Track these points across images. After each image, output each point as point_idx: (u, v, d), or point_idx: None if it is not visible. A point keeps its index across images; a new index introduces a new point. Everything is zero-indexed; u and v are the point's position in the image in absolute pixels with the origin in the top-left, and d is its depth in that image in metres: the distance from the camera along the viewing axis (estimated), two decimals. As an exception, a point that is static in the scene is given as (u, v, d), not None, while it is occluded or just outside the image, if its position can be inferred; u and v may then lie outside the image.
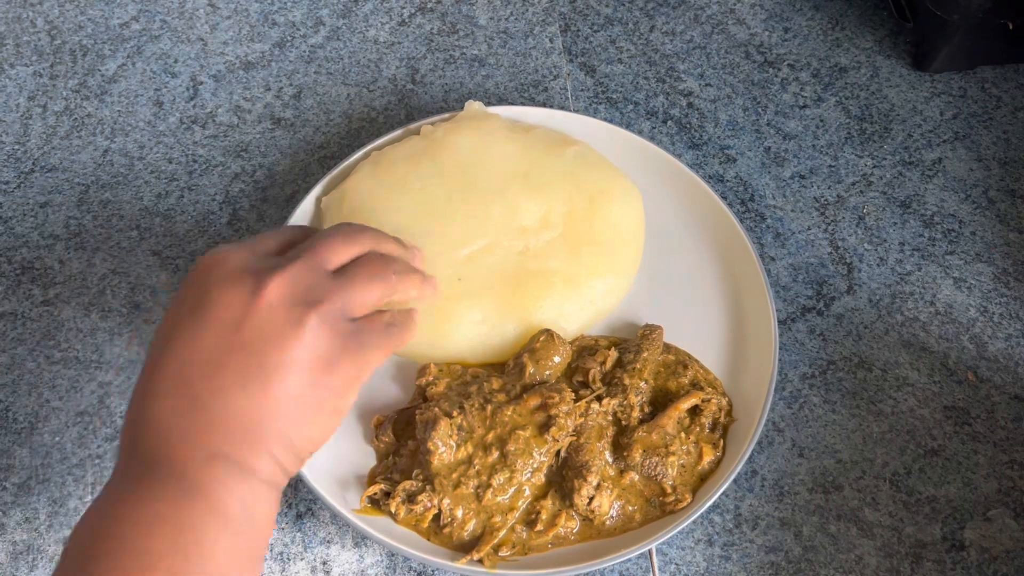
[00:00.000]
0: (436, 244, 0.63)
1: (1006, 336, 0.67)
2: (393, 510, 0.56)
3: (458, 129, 0.68)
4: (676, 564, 0.59)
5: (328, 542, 0.59)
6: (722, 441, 0.60)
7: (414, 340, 0.62)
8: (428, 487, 0.56)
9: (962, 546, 0.60)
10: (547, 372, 0.61)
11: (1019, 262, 0.71)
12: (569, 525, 0.57)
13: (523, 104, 0.78)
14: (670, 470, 0.58)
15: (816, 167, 0.76)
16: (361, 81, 0.80)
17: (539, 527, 0.56)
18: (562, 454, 0.58)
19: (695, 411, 0.60)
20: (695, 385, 0.61)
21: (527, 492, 0.57)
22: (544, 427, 0.57)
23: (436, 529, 0.56)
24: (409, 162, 0.67)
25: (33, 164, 0.75)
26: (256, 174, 0.75)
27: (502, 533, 0.56)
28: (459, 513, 0.56)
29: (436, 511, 0.56)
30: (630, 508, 0.58)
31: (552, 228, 0.65)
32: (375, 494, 0.57)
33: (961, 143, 0.77)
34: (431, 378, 0.61)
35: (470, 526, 0.56)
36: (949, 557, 0.59)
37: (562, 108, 0.78)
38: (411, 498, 0.56)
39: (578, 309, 0.64)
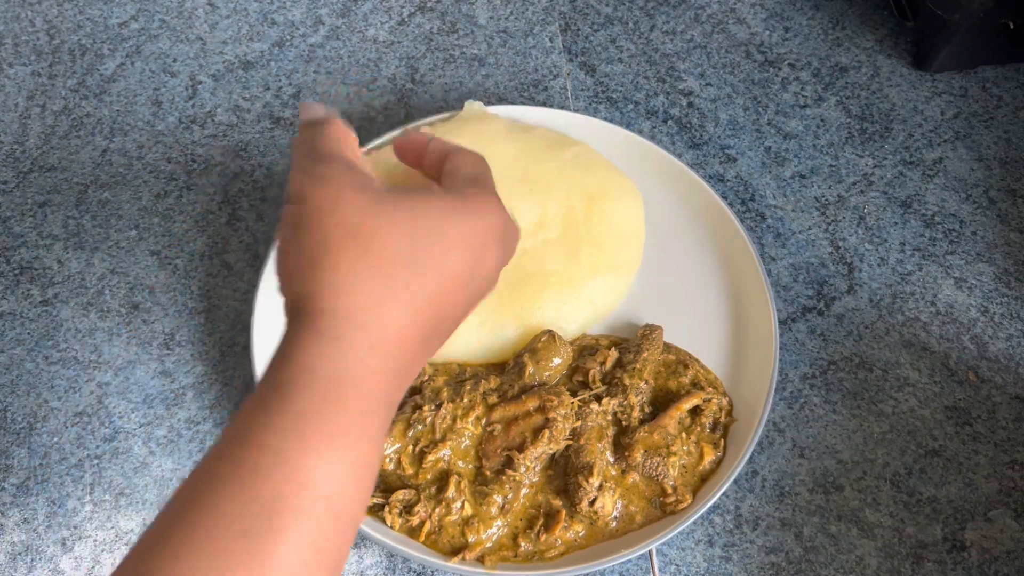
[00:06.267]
0: None
1: (1007, 336, 0.67)
2: (389, 523, 0.56)
3: (456, 131, 0.68)
4: (676, 565, 0.59)
5: (327, 543, 0.59)
6: (723, 441, 0.60)
7: None
8: (423, 497, 0.56)
9: (963, 547, 0.59)
10: (547, 373, 0.61)
11: (1020, 262, 0.71)
12: (576, 528, 0.56)
13: (523, 104, 0.78)
14: (671, 470, 0.57)
15: (817, 167, 0.75)
16: (360, 80, 0.80)
17: (538, 528, 0.56)
18: (557, 456, 0.58)
19: (696, 411, 0.60)
20: (696, 385, 0.61)
21: (509, 497, 0.57)
22: (540, 429, 0.57)
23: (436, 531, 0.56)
24: (407, 163, 0.67)
25: (32, 164, 0.75)
26: (255, 174, 0.75)
27: (490, 530, 0.56)
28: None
29: (436, 519, 0.56)
30: (632, 509, 0.57)
31: (550, 229, 0.65)
32: (370, 506, 0.57)
33: (962, 143, 0.77)
34: (426, 378, 0.61)
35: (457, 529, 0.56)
36: (950, 558, 0.59)
37: (562, 108, 0.78)
38: (408, 509, 0.56)
39: (578, 309, 0.63)
